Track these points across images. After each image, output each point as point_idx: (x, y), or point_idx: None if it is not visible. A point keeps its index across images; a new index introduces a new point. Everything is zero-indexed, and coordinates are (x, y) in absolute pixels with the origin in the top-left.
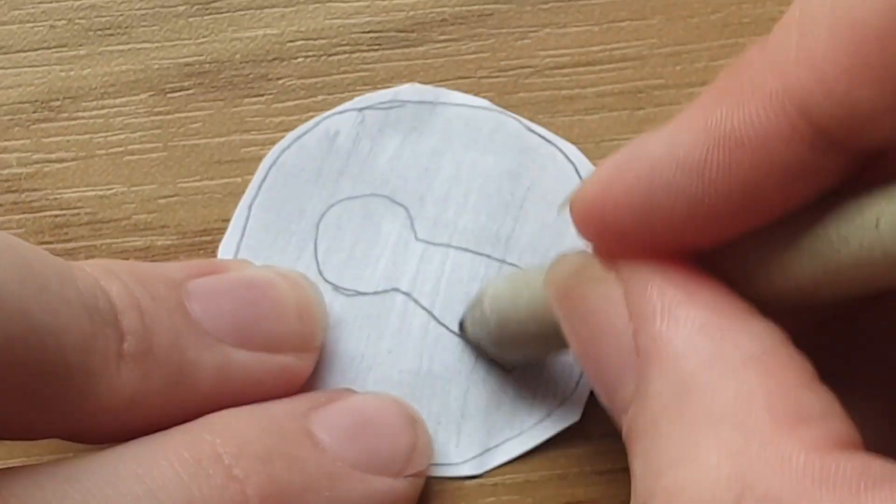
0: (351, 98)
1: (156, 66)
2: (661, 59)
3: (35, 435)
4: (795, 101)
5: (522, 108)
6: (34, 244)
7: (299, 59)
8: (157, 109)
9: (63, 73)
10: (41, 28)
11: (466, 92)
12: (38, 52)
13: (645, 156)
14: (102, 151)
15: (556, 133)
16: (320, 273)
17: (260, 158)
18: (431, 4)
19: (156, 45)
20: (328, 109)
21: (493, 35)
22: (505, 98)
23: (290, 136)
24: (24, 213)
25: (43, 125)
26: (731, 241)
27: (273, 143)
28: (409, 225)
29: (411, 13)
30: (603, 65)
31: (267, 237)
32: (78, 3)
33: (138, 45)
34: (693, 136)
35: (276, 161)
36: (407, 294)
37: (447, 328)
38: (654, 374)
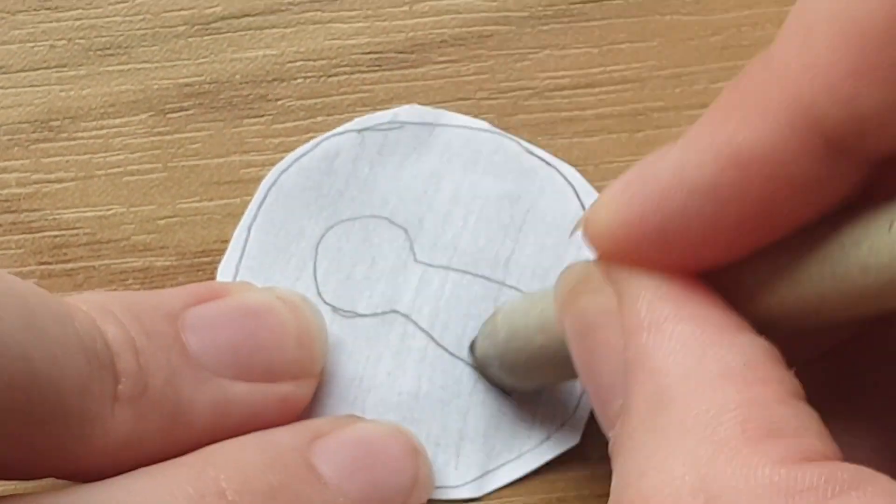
0: (350, 119)
1: (155, 87)
2: (660, 81)
3: (30, 476)
4: (803, 111)
5: (522, 129)
6: (33, 265)
7: (299, 80)
8: (156, 130)
9: (63, 93)
10: (41, 48)
11: (466, 113)
12: (38, 71)
13: (654, 179)
14: (102, 172)
15: (555, 155)
16: (319, 294)
17: (259, 179)
18: (431, 26)
19: (155, 65)
20: (328, 130)
21: (493, 56)
22: (504, 120)
23: (290, 157)
24: (22, 233)
25: (42, 145)
26: (741, 258)
27: (273, 163)
28: (409, 247)
29: (411, 34)
30: (602, 87)
31: (266, 258)
32: (78, 23)
33: (138, 66)
34: (702, 157)
35: (275, 182)
36: (406, 316)
37: (446, 350)
38: (635, 388)
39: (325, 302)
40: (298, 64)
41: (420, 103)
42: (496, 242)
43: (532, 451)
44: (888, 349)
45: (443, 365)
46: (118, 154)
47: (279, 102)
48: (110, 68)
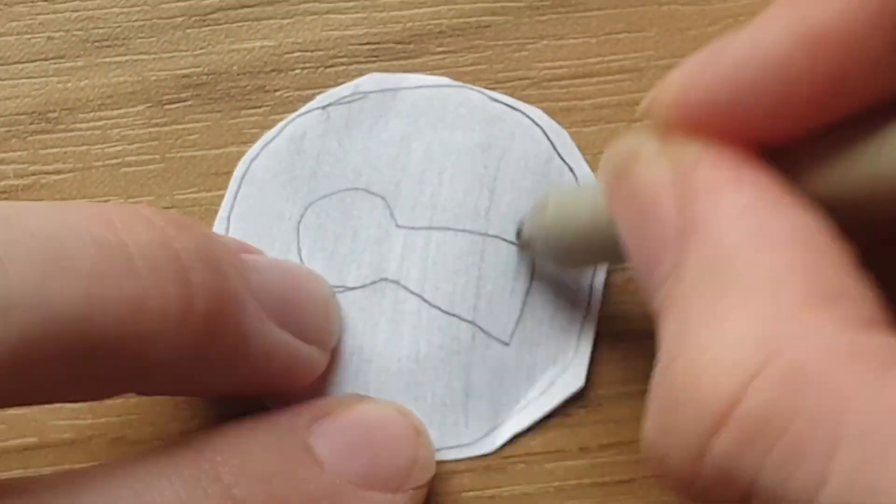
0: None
1: (153, 78)
2: (658, 71)
3: (98, 397)
4: None
5: None
6: None
7: (296, 71)
8: (154, 121)
9: (60, 85)
10: (39, 39)
11: None
12: (36, 63)
13: (727, 55)
14: (99, 163)
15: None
16: None
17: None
18: (429, 16)
19: (153, 56)
20: None
21: (491, 47)
22: None
23: (258, 144)
24: None
25: (40, 137)
26: (801, 139)
27: None
28: (389, 213)
29: (409, 25)
30: (600, 77)
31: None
32: (75, 14)
33: (135, 57)
34: (776, 35)
35: (247, 171)
36: (395, 282)
37: (440, 309)
38: (692, 250)
39: None
40: (296, 55)
41: None
42: (474, 194)
43: (538, 398)
44: None
45: (438, 324)
46: (116, 145)
47: (277, 93)
48: (108, 60)
